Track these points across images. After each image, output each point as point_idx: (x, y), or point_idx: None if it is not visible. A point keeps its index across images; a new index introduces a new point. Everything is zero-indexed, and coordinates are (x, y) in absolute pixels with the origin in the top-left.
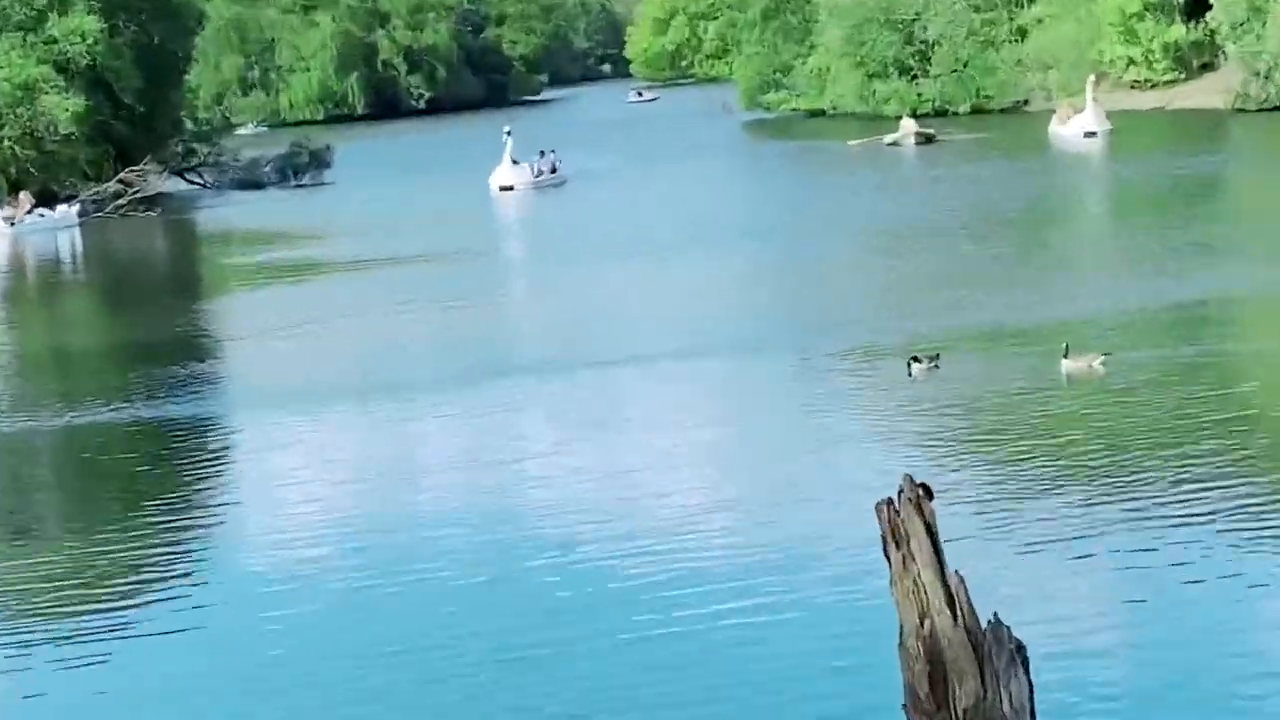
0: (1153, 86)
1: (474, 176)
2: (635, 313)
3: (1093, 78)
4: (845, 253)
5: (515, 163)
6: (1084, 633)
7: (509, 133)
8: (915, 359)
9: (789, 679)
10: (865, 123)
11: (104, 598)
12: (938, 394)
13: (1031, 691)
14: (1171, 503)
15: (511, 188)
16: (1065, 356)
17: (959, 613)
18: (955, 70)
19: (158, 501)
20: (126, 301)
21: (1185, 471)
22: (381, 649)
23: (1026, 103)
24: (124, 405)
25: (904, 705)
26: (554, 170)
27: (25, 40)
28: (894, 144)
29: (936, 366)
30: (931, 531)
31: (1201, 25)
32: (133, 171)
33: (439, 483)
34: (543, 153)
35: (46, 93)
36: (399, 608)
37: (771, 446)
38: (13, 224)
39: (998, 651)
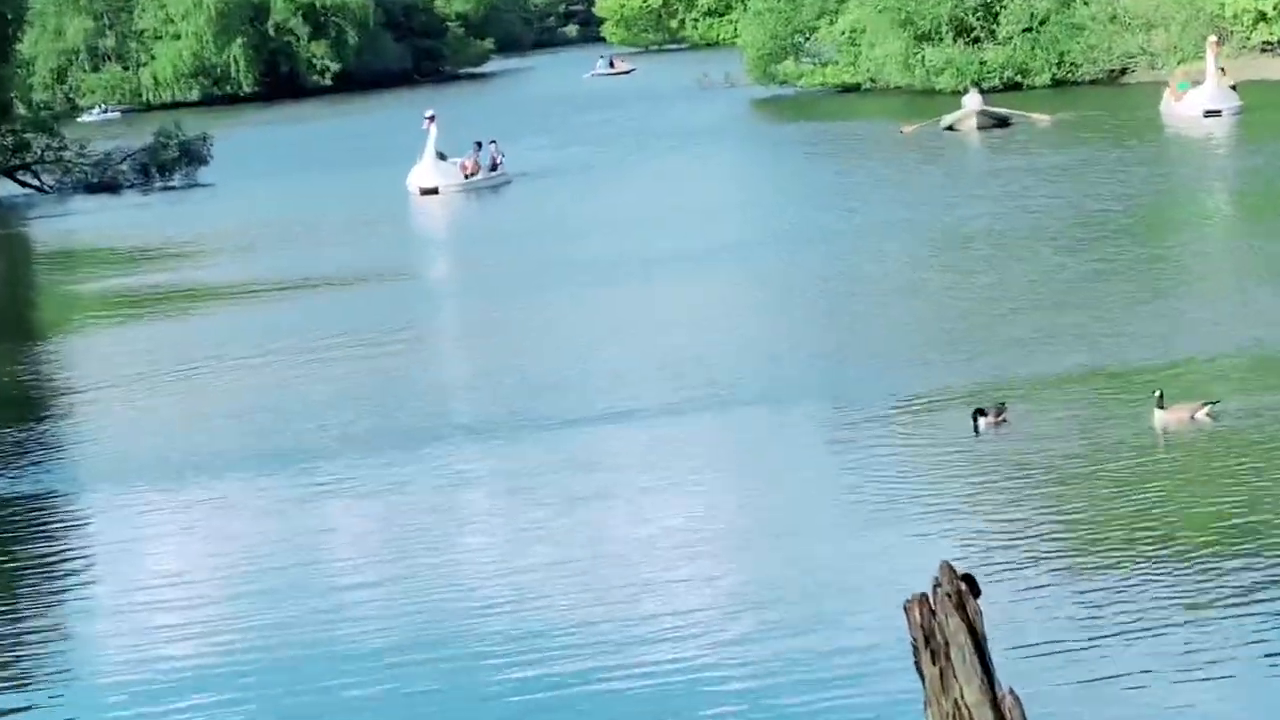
0: (1269, 50)
1: (392, 175)
2: (604, 353)
3: (1213, 39)
4: (893, 272)
5: (442, 157)
6: None
7: (432, 118)
8: (981, 411)
9: None
10: (913, 100)
11: None
12: (1004, 454)
13: None
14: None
15: (436, 190)
16: (1160, 406)
17: None
18: (1030, 30)
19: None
20: None
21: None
22: None
23: (1125, 71)
24: None
25: None
26: (495, 167)
27: None
28: (952, 129)
29: (1006, 420)
30: (977, 638)
31: None
32: None
33: (343, 581)
34: (479, 144)
35: None
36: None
37: (795, 525)
38: None
39: None
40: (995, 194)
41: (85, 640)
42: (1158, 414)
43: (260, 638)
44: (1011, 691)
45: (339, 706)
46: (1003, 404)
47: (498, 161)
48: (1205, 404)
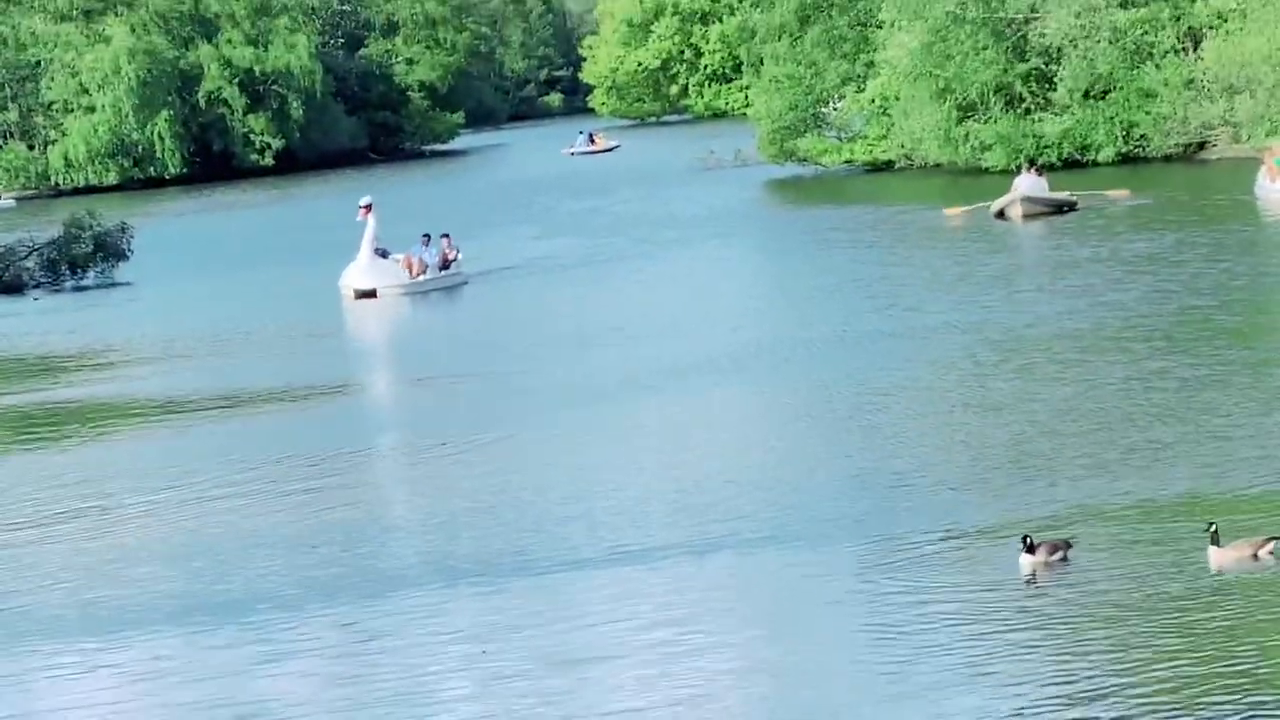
0: None
1: (333, 273)
2: (587, 488)
3: None
4: (948, 384)
5: (383, 254)
6: None
7: (368, 207)
8: (1030, 548)
9: None
10: (956, 180)
11: None
12: (1058, 598)
13: None
14: None
15: (373, 293)
16: (1214, 543)
17: None
18: (1091, 97)
19: None
20: None
21: None
22: None
23: (1204, 145)
24: None
25: None
26: (446, 265)
27: None
28: (1003, 215)
29: (1065, 558)
30: None
31: None
32: None
33: None
34: (428, 237)
35: None
36: None
37: (818, 689)
38: None
39: None
40: (1065, 289)
41: None
42: (1211, 550)
43: None
44: None
45: None
46: (1066, 543)
47: (450, 259)
48: (1270, 540)
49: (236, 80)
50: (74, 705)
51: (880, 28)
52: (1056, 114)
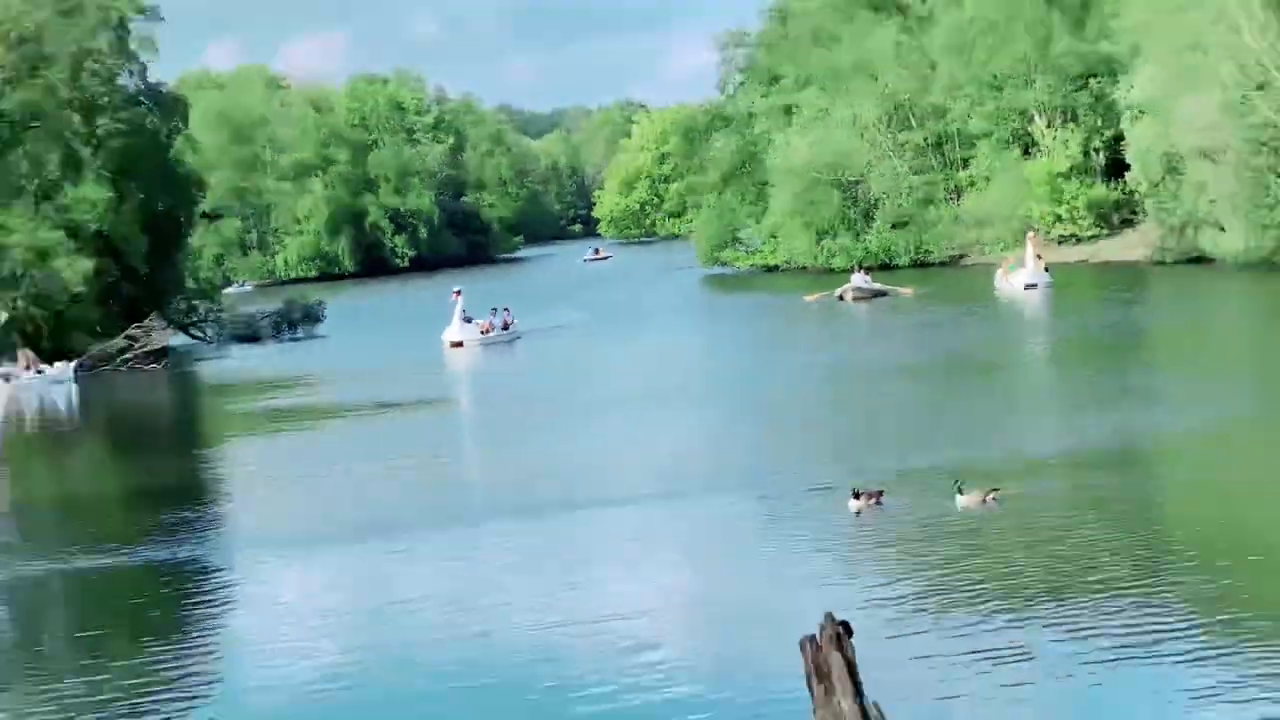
0: (1078, 241)
1: (438, 331)
2: (581, 464)
3: (1032, 234)
4: (797, 401)
5: (467, 320)
6: None
7: (458, 292)
8: (856, 494)
9: None
10: (816, 277)
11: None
12: (875, 527)
13: None
14: (1057, 622)
15: (461, 344)
16: (960, 493)
17: None
18: (896, 226)
19: (162, 639)
20: (124, 451)
21: (1061, 594)
22: None
23: (963, 256)
24: (130, 549)
25: None
26: (506, 327)
27: (38, 207)
28: (842, 298)
29: (879, 502)
30: (851, 665)
31: (1121, 185)
32: (138, 328)
33: (414, 617)
34: (495, 310)
35: (56, 255)
36: None
37: (724, 580)
38: (8, 380)
39: None
40: (873, 343)
41: (227, 661)
42: (959, 498)
43: (353, 657)
44: (875, 704)
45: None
46: (881, 490)
47: (509, 323)
48: (992, 490)
49: (388, 215)
50: (285, 588)
51: (771, 185)
52: (875, 235)
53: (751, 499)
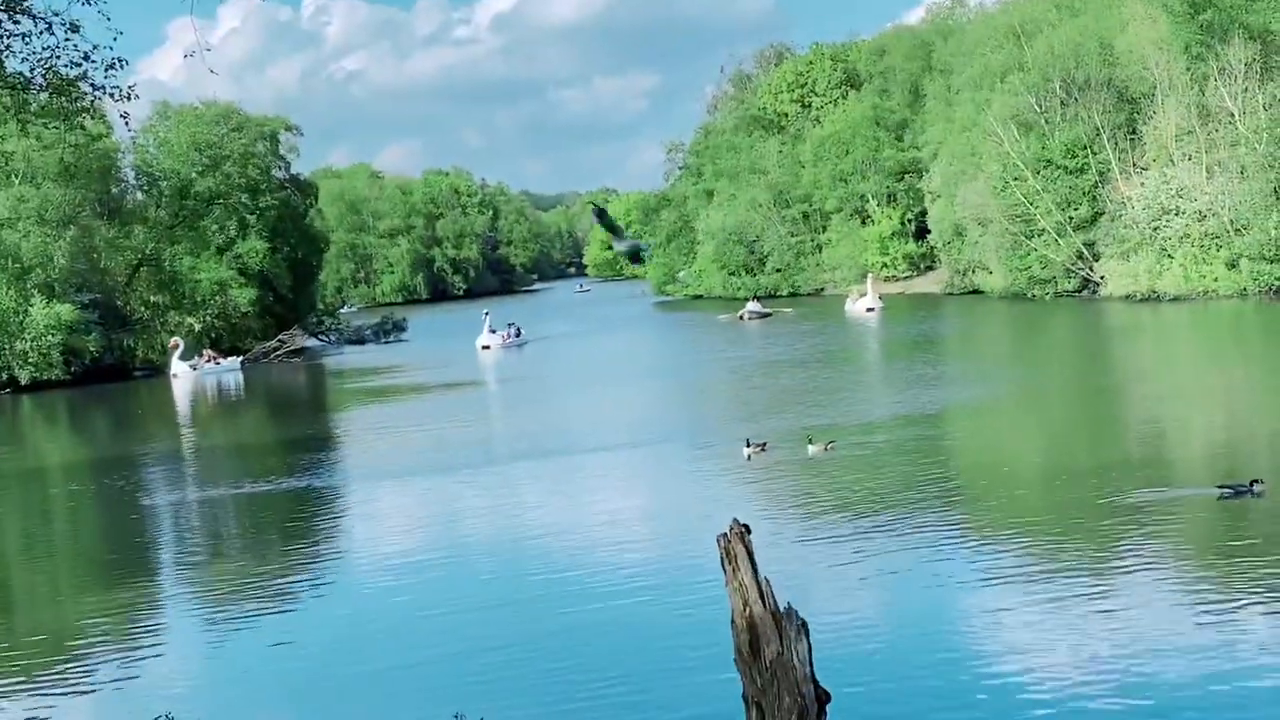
0: (897, 279)
1: (474, 338)
2: (568, 424)
3: (870, 275)
4: (714, 383)
5: (493, 331)
6: (845, 612)
7: (487, 313)
8: (748, 444)
9: (667, 641)
10: (726, 303)
11: (267, 599)
12: (760, 467)
13: (810, 650)
14: (881, 531)
15: (489, 347)
16: (810, 443)
17: (766, 602)
18: (779, 270)
19: (303, 538)
20: (274, 415)
21: (879, 509)
22: (457, 623)
23: (823, 290)
24: (277, 479)
25: (734, 659)
26: (518, 335)
27: (220, 255)
28: (742, 318)
29: (764, 449)
30: (749, 552)
31: (925, 243)
32: (285, 334)
33: (470, 523)
34: (510, 324)
35: (231, 287)
36: (462, 596)
37: (664, 498)
38: (194, 368)
39: (790, 625)
40: (761, 346)
41: (343, 556)
42: (810, 447)
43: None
44: (766, 578)
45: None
46: (765, 442)
47: (520, 333)
48: (829, 442)
49: (449, 261)
50: (389, 512)
51: (699, 243)
52: (765, 276)
53: (681, 446)
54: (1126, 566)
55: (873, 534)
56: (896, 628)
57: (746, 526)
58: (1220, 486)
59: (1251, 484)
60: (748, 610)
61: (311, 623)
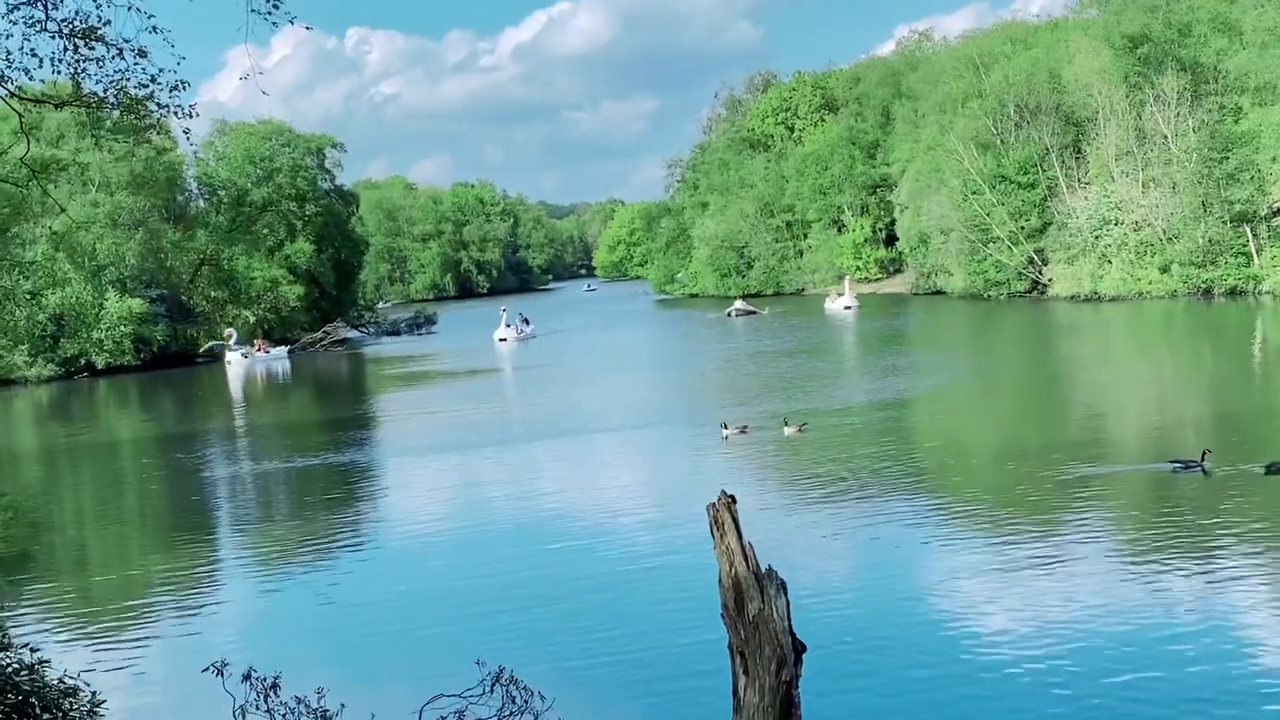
0: (869, 281)
1: (491, 331)
2: (575, 406)
3: (848, 278)
4: (705, 372)
5: (509, 325)
6: (819, 574)
7: (504, 310)
8: (725, 426)
9: (662, 598)
10: (717, 301)
11: (312, 560)
12: (740, 446)
13: (788, 606)
14: (850, 503)
15: (505, 340)
16: (786, 425)
17: (750, 564)
18: (766, 272)
19: (344, 507)
20: (318, 397)
21: (849, 483)
22: (481, 583)
23: (804, 290)
24: (321, 454)
25: (721, 614)
26: (526, 324)
27: (271, 256)
28: (730, 315)
29: (744, 431)
30: (735, 519)
31: (894, 249)
32: (329, 326)
33: (493, 491)
34: (519, 315)
35: (282, 284)
36: (485, 559)
37: (660, 474)
38: (246, 356)
39: (770, 584)
40: (746, 339)
41: (392, 517)
42: (785, 429)
43: (463, 520)
44: (750, 542)
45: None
46: (745, 425)
47: (528, 323)
48: (802, 424)
49: (474, 263)
50: (422, 482)
51: (695, 248)
52: (752, 278)
53: (675, 428)
54: (1069, 533)
55: (843, 505)
56: (864, 587)
57: (733, 497)
58: (1173, 461)
59: (1203, 455)
60: (733, 571)
61: (351, 582)
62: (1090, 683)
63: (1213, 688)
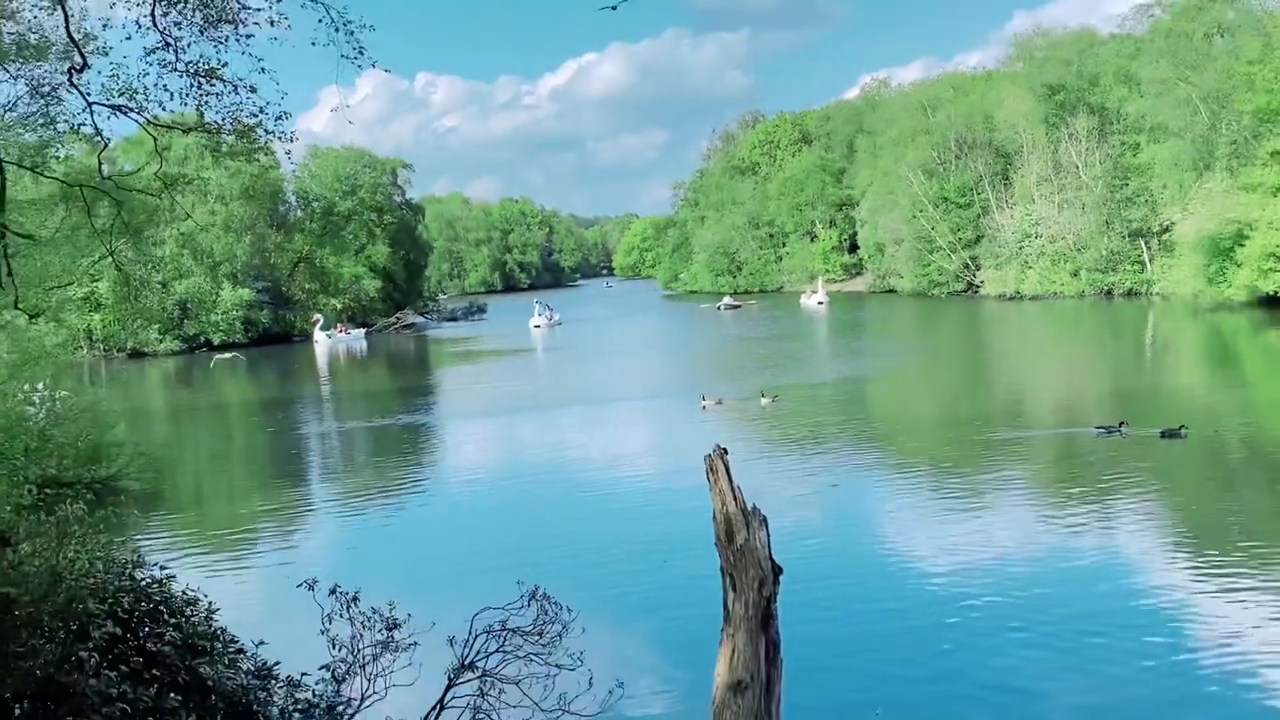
0: (834, 282)
1: (528, 319)
2: (594, 379)
3: (820, 279)
4: (700, 353)
5: (541, 315)
6: (790, 515)
7: (538, 301)
8: (704, 397)
9: (666, 531)
10: (714, 296)
11: (384, 499)
12: (718, 416)
13: (768, 536)
14: (814, 460)
15: (539, 326)
16: (763, 396)
17: (738, 502)
18: (751, 273)
19: (409, 457)
20: (391, 370)
21: (815, 444)
22: (519, 520)
23: (782, 288)
24: (395, 416)
25: (715, 543)
26: (550, 310)
27: (356, 256)
28: (719, 309)
29: (720, 403)
30: (727, 467)
31: (855, 255)
32: (399, 313)
33: (533, 451)
34: (547, 306)
35: (363, 279)
36: (523, 501)
37: (662, 435)
38: (330, 336)
39: (754, 519)
40: (733, 328)
41: (451, 468)
42: (762, 400)
43: (508, 471)
44: (739, 487)
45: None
46: (720, 398)
47: (554, 313)
48: (773, 395)
49: (517, 263)
50: (471, 437)
51: (695, 252)
52: (741, 278)
53: (674, 399)
54: (998, 483)
55: (809, 462)
56: (827, 526)
57: (725, 449)
58: (1097, 427)
59: (1120, 424)
60: (724, 508)
61: (415, 517)
62: (1005, 598)
63: (1110, 602)
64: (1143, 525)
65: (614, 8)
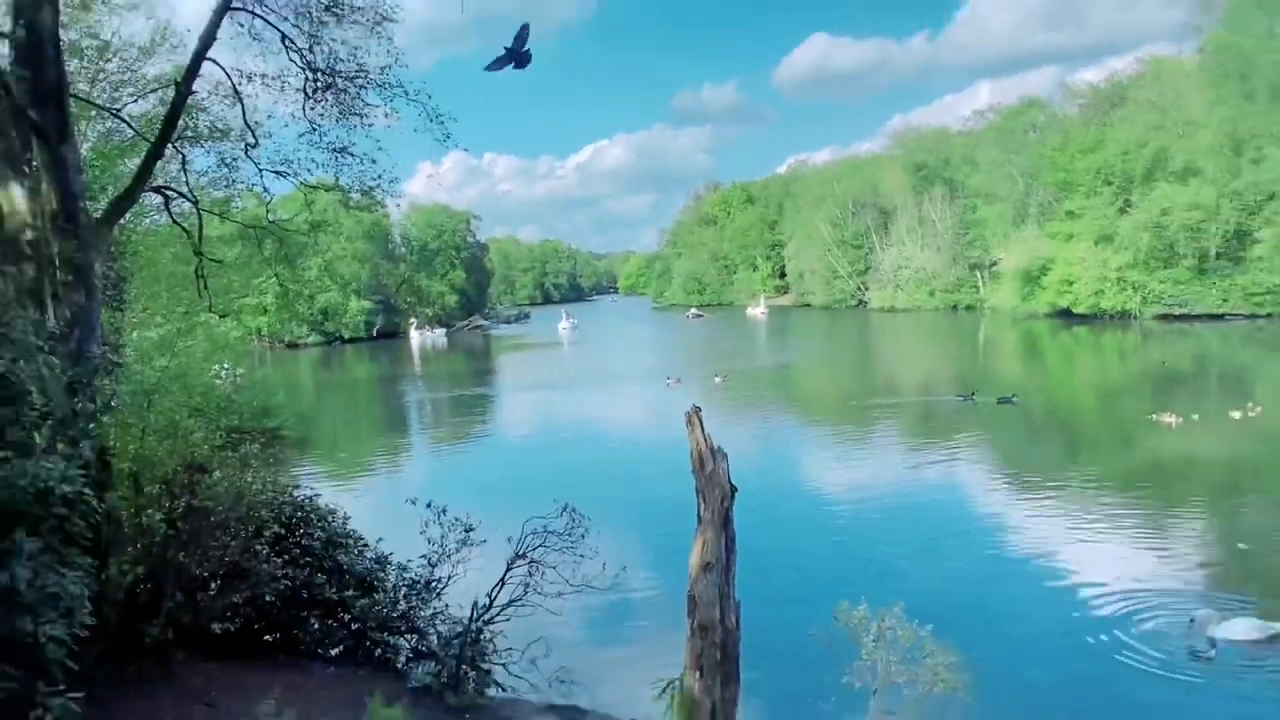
0: (771, 298)
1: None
2: (604, 367)
3: (761, 296)
4: (673, 347)
5: (565, 320)
6: (739, 456)
7: (566, 314)
8: (669, 377)
9: (656, 466)
10: (686, 308)
11: (461, 444)
12: (680, 391)
13: (728, 466)
14: (750, 420)
15: (565, 328)
16: (716, 377)
17: (708, 444)
18: (713, 292)
19: (476, 417)
20: (464, 359)
21: (753, 410)
22: (554, 459)
23: (734, 303)
24: (481, 388)
25: (692, 470)
26: (572, 319)
27: (441, 279)
28: (689, 316)
29: (679, 381)
30: (700, 420)
31: (784, 280)
32: (470, 318)
33: (564, 420)
34: (568, 315)
35: (446, 295)
36: (557, 446)
37: (649, 405)
38: (422, 334)
39: (720, 453)
40: (699, 331)
41: (506, 426)
42: (716, 379)
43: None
44: (709, 434)
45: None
46: (679, 378)
47: (573, 319)
48: (724, 374)
49: (552, 284)
50: (522, 405)
51: (674, 278)
52: (707, 294)
53: (653, 381)
54: (881, 433)
55: (751, 421)
56: (765, 463)
57: (699, 408)
58: (958, 395)
59: (972, 393)
60: (698, 447)
61: (483, 455)
62: (884, 515)
63: (959, 511)
64: (983, 460)
65: (493, 69)
